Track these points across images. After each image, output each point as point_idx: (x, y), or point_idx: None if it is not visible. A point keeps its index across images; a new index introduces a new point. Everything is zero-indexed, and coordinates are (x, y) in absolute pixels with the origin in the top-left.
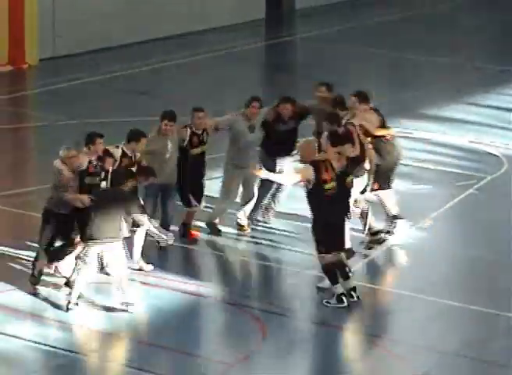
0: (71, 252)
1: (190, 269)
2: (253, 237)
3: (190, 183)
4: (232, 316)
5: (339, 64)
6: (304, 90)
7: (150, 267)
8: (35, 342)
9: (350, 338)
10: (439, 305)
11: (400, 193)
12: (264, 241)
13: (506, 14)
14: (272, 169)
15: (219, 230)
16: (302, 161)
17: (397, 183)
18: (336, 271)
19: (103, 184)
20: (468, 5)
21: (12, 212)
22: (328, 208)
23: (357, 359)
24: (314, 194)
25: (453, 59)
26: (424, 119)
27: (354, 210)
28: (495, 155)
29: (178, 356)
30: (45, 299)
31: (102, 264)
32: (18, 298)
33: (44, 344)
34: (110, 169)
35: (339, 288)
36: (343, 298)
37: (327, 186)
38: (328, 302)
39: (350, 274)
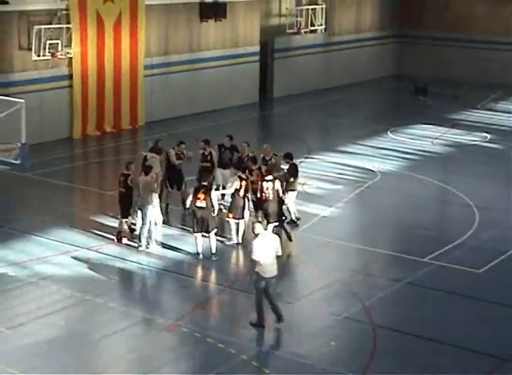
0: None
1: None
2: None
3: None
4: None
5: (297, 123)
6: (278, 136)
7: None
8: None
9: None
10: (348, 247)
11: (326, 189)
12: None
13: (398, 96)
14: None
15: None
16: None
17: (325, 185)
18: None
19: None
20: (376, 91)
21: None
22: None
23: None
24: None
25: (355, 121)
26: (337, 152)
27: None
28: (373, 171)
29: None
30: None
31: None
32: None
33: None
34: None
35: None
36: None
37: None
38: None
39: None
